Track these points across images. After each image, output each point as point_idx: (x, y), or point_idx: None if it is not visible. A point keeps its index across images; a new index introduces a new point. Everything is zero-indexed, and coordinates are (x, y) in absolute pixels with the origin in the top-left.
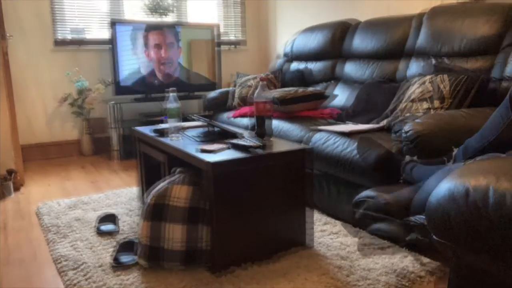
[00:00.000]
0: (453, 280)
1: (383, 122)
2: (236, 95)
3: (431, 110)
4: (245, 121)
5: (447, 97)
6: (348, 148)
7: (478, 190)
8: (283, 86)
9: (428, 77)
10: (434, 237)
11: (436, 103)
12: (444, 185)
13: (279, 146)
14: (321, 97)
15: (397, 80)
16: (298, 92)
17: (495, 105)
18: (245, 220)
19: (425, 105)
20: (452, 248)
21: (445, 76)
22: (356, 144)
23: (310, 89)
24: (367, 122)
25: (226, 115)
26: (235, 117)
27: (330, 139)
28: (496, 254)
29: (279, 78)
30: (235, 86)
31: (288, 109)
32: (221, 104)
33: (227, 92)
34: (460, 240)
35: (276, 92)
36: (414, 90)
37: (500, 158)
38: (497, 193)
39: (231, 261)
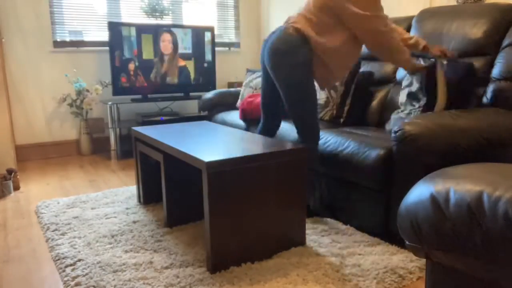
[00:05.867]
0: (429, 279)
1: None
2: (240, 97)
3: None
4: (237, 120)
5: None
6: (339, 147)
7: (440, 193)
8: None
9: (415, 77)
10: (406, 242)
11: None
12: (411, 192)
13: (274, 145)
14: None
15: (387, 81)
16: None
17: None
18: (242, 219)
19: (413, 105)
20: (423, 250)
21: None
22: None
23: None
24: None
25: (221, 116)
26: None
27: (321, 138)
28: (461, 252)
29: None
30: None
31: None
32: (217, 105)
33: (221, 93)
34: (429, 242)
35: None
36: (403, 91)
37: (463, 165)
38: (457, 194)
39: (228, 259)
